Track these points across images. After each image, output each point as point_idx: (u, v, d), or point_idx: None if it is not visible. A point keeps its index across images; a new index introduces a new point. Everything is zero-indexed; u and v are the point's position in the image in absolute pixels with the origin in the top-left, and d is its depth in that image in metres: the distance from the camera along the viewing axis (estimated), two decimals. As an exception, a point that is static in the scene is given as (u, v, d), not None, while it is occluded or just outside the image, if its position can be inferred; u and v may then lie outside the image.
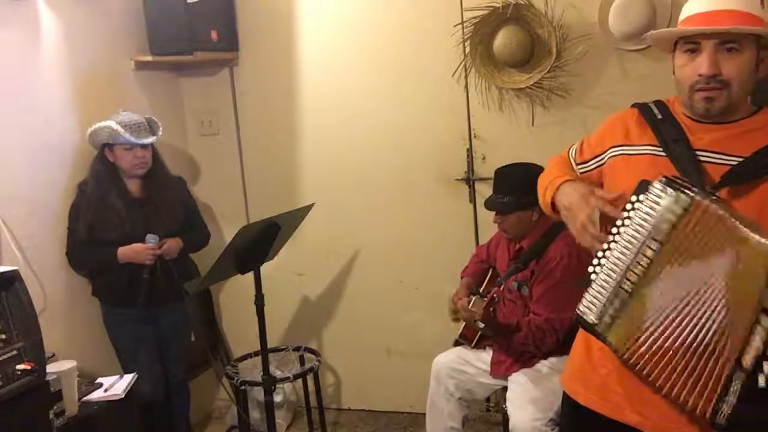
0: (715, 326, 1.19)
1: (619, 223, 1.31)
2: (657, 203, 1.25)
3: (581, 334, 1.56)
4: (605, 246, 1.33)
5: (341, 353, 3.41)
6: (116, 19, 2.96)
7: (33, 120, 2.52)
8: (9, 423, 1.85)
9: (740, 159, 1.32)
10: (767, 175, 1.29)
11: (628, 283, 1.28)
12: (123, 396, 2.26)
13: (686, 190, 1.23)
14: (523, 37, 2.73)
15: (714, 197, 1.25)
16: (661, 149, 1.39)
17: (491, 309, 2.31)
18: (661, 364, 1.25)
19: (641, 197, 1.29)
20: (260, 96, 3.31)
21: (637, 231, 1.27)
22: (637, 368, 1.29)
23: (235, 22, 3.24)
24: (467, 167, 3.00)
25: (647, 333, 1.26)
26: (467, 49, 2.88)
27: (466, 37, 2.86)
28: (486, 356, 2.51)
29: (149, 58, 3.03)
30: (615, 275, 1.30)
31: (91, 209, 2.54)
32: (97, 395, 2.25)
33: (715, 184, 1.29)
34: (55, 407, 2.02)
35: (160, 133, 2.67)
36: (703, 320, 1.20)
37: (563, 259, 2.29)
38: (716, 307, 1.19)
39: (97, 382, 2.34)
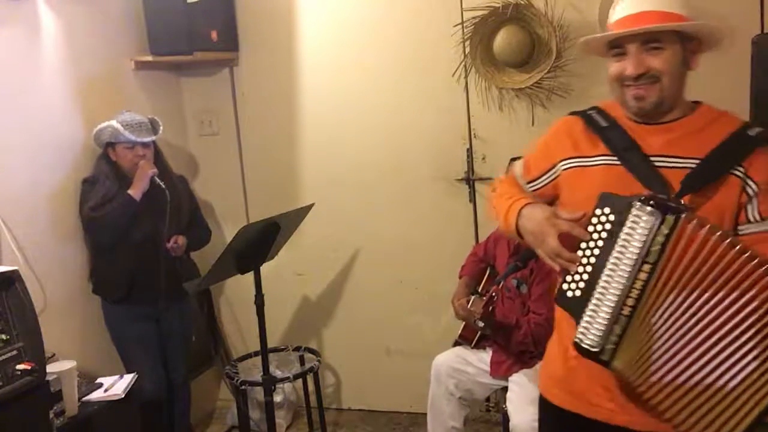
0: (741, 375, 1.15)
1: (588, 239, 1.31)
2: (638, 224, 1.23)
3: (555, 340, 1.54)
4: (578, 266, 1.31)
5: (341, 353, 3.41)
6: (116, 19, 2.96)
7: (33, 120, 2.52)
8: (9, 423, 1.85)
9: (694, 160, 1.32)
10: (722, 176, 1.30)
11: (627, 308, 1.25)
12: (123, 396, 2.26)
13: (670, 208, 1.22)
14: (523, 37, 2.73)
15: (689, 208, 1.25)
16: (615, 158, 1.39)
17: (490, 308, 2.31)
18: (674, 399, 1.21)
19: (606, 210, 1.29)
20: (260, 96, 3.31)
21: (622, 252, 1.25)
22: (645, 397, 1.25)
23: (235, 22, 3.24)
24: (467, 167, 3.00)
25: (659, 364, 1.23)
26: (467, 50, 2.88)
27: (466, 37, 2.86)
28: (486, 356, 2.51)
29: (149, 58, 3.03)
30: (610, 299, 1.26)
31: (101, 194, 2.56)
32: (97, 395, 2.25)
33: (677, 193, 1.29)
34: (55, 407, 2.02)
35: (160, 131, 2.68)
36: (727, 364, 1.16)
37: (563, 258, 2.29)
38: (745, 351, 1.15)
39: (97, 382, 2.34)
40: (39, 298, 2.42)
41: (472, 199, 3.03)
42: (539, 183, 1.54)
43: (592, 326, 1.28)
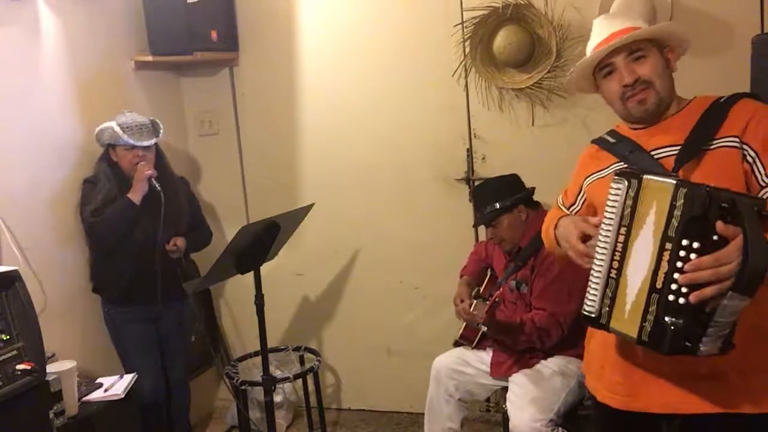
0: (645, 270, 1.31)
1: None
2: (617, 194, 1.37)
3: (587, 335, 1.66)
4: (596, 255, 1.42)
5: (341, 353, 3.41)
6: (116, 19, 2.96)
7: (33, 120, 2.52)
8: (9, 423, 1.85)
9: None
10: (706, 146, 1.42)
11: (614, 270, 1.37)
12: (123, 396, 2.26)
13: (634, 175, 1.35)
14: (523, 37, 2.73)
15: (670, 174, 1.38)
16: (622, 163, 1.54)
17: (494, 311, 2.30)
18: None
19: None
20: (260, 96, 3.31)
21: (609, 225, 1.38)
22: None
23: (235, 22, 3.24)
24: (467, 167, 3.00)
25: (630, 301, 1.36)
26: (467, 49, 2.88)
27: (466, 37, 2.86)
28: (486, 357, 2.51)
29: (149, 58, 3.03)
30: (603, 269, 1.38)
31: (100, 197, 2.56)
32: (97, 395, 2.26)
33: (673, 168, 1.44)
34: (55, 407, 2.02)
35: (161, 134, 2.68)
36: (641, 267, 1.32)
37: (561, 253, 2.29)
38: (648, 252, 1.31)
39: (97, 382, 2.34)
40: (39, 298, 2.42)
41: (472, 199, 3.03)
42: (576, 206, 1.71)
43: (591, 295, 1.41)
